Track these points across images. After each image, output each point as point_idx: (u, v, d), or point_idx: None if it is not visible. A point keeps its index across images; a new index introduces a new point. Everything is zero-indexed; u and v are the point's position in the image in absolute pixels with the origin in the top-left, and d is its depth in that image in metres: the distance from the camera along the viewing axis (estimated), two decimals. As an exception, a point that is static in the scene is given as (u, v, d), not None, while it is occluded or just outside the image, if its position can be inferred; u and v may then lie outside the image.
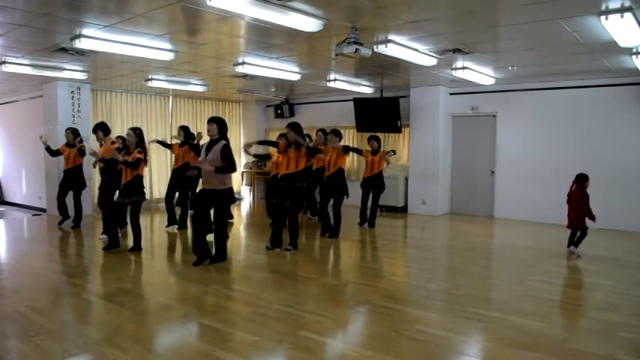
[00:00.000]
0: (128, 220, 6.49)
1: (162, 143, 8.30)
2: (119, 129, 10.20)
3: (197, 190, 6.79)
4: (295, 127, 6.10)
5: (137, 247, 6.17)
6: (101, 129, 7.04)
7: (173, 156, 8.23)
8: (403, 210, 10.06)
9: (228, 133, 5.56)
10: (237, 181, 12.78)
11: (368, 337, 3.63)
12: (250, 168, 12.46)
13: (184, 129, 7.85)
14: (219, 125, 5.40)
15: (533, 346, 3.35)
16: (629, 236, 7.51)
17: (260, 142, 7.27)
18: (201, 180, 5.69)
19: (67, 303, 4.32)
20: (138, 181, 6.09)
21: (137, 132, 6.12)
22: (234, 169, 5.37)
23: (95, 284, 4.98)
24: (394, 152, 8.26)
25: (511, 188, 9.10)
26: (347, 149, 7.31)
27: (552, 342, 3.43)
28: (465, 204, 9.85)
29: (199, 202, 5.53)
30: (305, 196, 6.22)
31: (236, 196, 12.07)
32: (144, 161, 6.08)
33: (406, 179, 10.11)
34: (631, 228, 7.82)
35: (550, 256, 6.23)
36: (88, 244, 6.82)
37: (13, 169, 11.64)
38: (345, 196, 7.23)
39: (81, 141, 7.75)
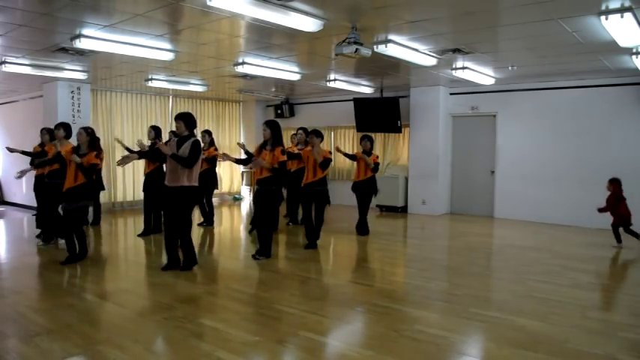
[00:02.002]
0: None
1: (128, 150, 7.37)
2: (119, 129, 10.25)
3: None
4: (273, 126, 5.74)
5: (73, 259, 5.62)
6: (64, 128, 6.38)
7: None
8: (403, 210, 10.06)
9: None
10: (238, 181, 12.80)
11: (368, 337, 3.63)
12: (250, 168, 12.45)
13: (155, 129, 7.29)
14: (185, 122, 5.27)
15: (533, 346, 3.35)
16: (629, 236, 7.50)
17: (238, 161, 6.35)
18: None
19: (67, 303, 4.31)
20: (89, 185, 5.59)
21: (89, 131, 5.70)
22: (187, 165, 5.08)
23: (95, 284, 4.98)
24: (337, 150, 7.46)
25: (511, 188, 9.11)
26: (326, 163, 6.40)
27: (552, 342, 3.43)
28: (465, 204, 9.85)
29: (166, 202, 5.28)
30: (278, 199, 5.92)
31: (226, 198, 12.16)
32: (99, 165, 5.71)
33: (406, 179, 10.11)
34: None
35: (550, 256, 6.23)
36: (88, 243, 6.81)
37: (13, 169, 11.61)
38: (327, 205, 6.61)
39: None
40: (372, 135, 7.90)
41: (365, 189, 7.37)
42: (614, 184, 6.87)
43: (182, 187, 5.12)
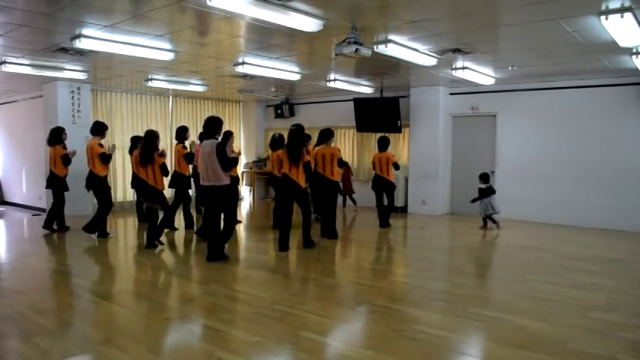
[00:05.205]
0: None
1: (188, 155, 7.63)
2: (119, 129, 10.25)
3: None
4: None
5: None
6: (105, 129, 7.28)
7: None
8: (403, 210, 10.06)
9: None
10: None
11: (368, 337, 3.63)
12: (250, 168, 12.46)
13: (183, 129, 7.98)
14: None
15: (533, 346, 3.35)
16: (629, 236, 7.51)
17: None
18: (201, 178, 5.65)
19: (67, 303, 4.32)
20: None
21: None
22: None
23: (95, 284, 4.98)
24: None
25: (511, 188, 9.08)
26: (341, 164, 7.04)
27: (553, 342, 3.43)
28: (465, 204, 9.81)
29: (205, 201, 5.64)
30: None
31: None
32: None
33: (406, 179, 10.11)
34: (631, 228, 7.81)
35: (550, 256, 6.22)
36: (88, 243, 6.81)
37: (13, 169, 11.64)
38: (339, 193, 7.22)
39: (64, 147, 7.39)
40: (372, 134, 8.22)
41: (381, 185, 8.15)
42: (345, 168, 8.95)
43: (218, 186, 5.51)
